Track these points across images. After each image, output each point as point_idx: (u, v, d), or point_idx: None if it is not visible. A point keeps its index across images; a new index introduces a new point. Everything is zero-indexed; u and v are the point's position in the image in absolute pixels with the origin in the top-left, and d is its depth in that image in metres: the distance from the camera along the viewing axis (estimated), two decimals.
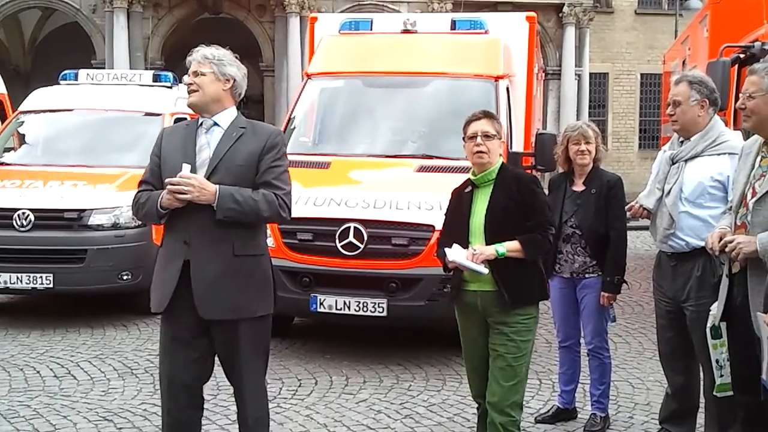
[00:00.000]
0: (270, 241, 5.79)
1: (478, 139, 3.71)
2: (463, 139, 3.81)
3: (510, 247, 3.61)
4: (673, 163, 4.02)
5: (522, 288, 3.67)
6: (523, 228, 3.65)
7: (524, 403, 3.86)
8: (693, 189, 3.92)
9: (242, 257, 3.34)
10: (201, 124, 3.44)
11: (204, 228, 3.28)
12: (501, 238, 3.62)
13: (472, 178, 3.81)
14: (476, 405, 4.02)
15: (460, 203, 3.83)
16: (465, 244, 3.66)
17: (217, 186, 3.23)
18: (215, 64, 3.38)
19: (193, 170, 3.29)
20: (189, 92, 3.41)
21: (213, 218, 3.26)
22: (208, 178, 3.28)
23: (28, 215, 6.97)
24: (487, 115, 3.82)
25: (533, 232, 3.65)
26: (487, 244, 3.63)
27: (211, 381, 3.60)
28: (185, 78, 3.45)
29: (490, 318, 3.72)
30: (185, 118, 7.96)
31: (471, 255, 3.59)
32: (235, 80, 3.42)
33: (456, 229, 3.77)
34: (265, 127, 3.51)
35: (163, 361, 3.50)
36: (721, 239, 3.37)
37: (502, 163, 3.79)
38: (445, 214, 3.95)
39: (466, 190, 3.81)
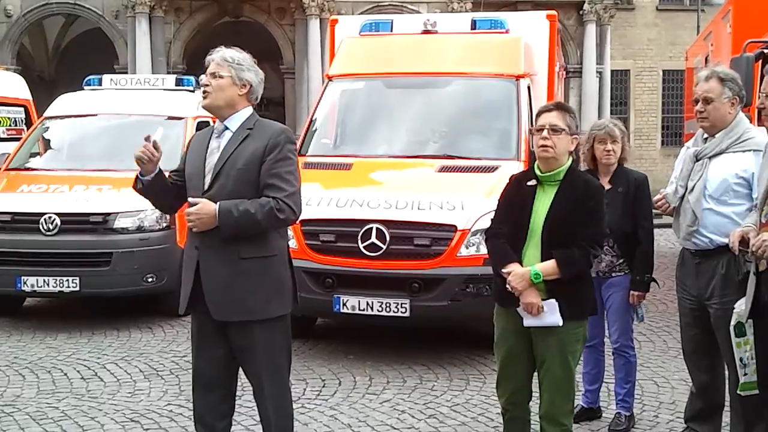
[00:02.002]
0: (292, 243, 5.84)
1: (545, 132, 3.46)
2: (531, 130, 3.62)
3: (546, 270, 3.40)
4: (697, 160, 3.99)
5: (576, 302, 3.48)
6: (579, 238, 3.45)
7: None
8: (717, 186, 3.88)
9: (250, 260, 3.35)
10: (216, 128, 3.47)
11: (210, 233, 3.31)
12: (559, 246, 3.42)
13: (537, 173, 3.56)
14: (502, 410, 3.78)
15: (519, 195, 3.57)
16: (522, 244, 3.49)
17: (216, 207, 3.24)
18: (234, 67, 3.37)
19: (201, 177, 3.37)
20: (204, 93, 3.41)
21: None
22: (212, 182, 3.33)
23: (54, 219, 7.05)
24: (559, 107, 3.58)
25: (582, 242, 3.41)
26: (543, 250, 3.43)
27: None
28: (202, 77, 3.45)
29: (538, 329, 3.53)
30: (208, 122, 8.03)
31: (525, 308, 3.44)
32: (251, 85, 3.42)
33: (515, 225, 3.53)
34: (269, 127, 3.43)
35: (192, 357, 3.60)
36: (742, 238, 3.34)
37: (573, 162, 3.55)
38: (500, 200, 3.71)
39: (529, 183, 3.56)
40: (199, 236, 3.36)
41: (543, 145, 3.48)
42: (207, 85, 3.38)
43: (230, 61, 3.38)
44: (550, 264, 3.41)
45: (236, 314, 3.36)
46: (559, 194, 3.48)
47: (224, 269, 3.34)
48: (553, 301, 3.42)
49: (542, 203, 3.50)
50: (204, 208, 3.26)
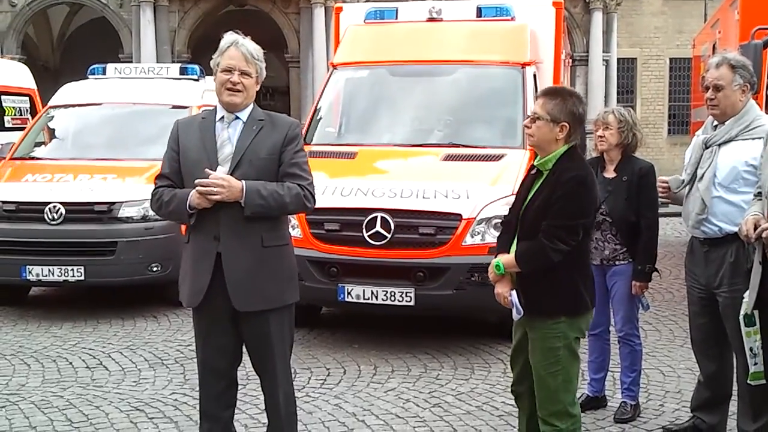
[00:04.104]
0: (297, 232, 5.83)
1: (526, 121, 3.44)
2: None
3: (506, 263, 3.39)
4: (707, 148, 3.95)
5: (541, 296, 3.34)
6: None
7: None
8: (727, 174, 3.85)
9: (270, 248, 3.38)
10: (221, 118, 3.41)
11: (232, 222, 3.30)
12: (530, 236, 3.36)
13: (535, 161, 3.49)
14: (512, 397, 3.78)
15: (524, 182, 3.53)
16: (515, 232, 3.48)
17: (243, 182, 3.23)
18: (258, 66, 3.37)
19: (214, 167, 3.29)
20: (231, 90, 3.31)
21: (240, 212, 3.28)
22: (232, 173, 3.28)
23: (59, 209, 7.05)
24: (546, 93, 3.45)
25: (541, 236, 3.28)
26: (519, 240, 3.42)
27: (240, 371, 3.63)
28: (221, 65, 3.32)
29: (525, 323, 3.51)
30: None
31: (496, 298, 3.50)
32: (261, 80, 3.44)
33: (514, 212, 3.50)
34: (283, 119, 3.50)
35: (197, 349, 3.58)
36: (756, 226, 3.30)
37: (567, 152, 3.36)
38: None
39: (532, 172, 3.49)
40: (218, 227, 3.30)
41: (527, 133, 3.45)
42: (237, 83, 3.32)
43: (256, 59, 3.37)
44: (511, 257, 3.39)
45: (258, 304, 3.36)
46: (542, 184, 3.39)
47: (247, 259, 3.33)
48: (513, 292, 3.40)
49: (533, 192, 3.44)
50: (231, 180, 3.23)
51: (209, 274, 3.33)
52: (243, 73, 3.33)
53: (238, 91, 3.33)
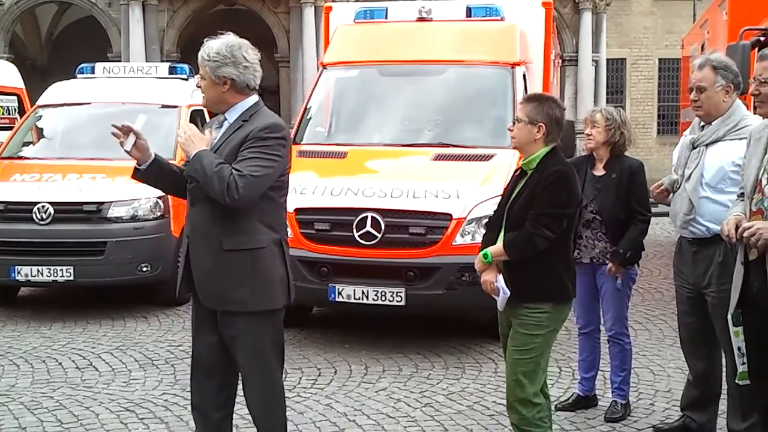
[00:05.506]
0: (288, 232, 5.81)
1: (510, 125, 3.71)
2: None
3: (494, 251, 3.55)
4: (694, 148, 3.97)
5: (527, 282, 3.50)
6: None
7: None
8: (714, 174, 3.87)
9: (232, 252, 3.30)
10: (217, 119, 3.51)
11: (197, 224, 3.39)
12: (519, 228, 3.50)
13: (520, 162, 3.69)
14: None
15: (510, 183, 3.73)
16: (500, 230, 3.61)
17: (204, 148, 3.26)
18: (210, 66, 3.30)
19: None
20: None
21: (204, 214, 3.34)
22: None
23: (48, 208, 7.01)
24: (528, 98, 3.72)
25: (527, 224, 3.45)
26: (506, 233, 3.56)
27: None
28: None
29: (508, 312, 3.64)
30: (201, 111, 8.02)
31: (482, 286, 3.64)
32: (232, 80, 3.29)
33: (499, 211, 3.68)
34: (259, 120, 3.31)
35: (192, 342, 3.65)
36: (737, 226, 3.31)
37: (549, 153, 3.55)
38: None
39: (517, 173, 3.69)
40: (189, 226, 3.45)
41: (511, 136, 3.68)
42: (199, 86, 3.42)
43: (208, 59, 3.30)
44: (499, 246, 3.56)
45: (220, 304, 3.38)
46: (526, 182, 3.57)
47: (208, 259, 3.36)
48: (500, 276, 3.56)
49: (517, 191, 3.60)
50: (196, 135, 3.30)
51: (182, 269, 3.49)
52: (201, 76, 3.37)
53: (202, 93, 3.42)
